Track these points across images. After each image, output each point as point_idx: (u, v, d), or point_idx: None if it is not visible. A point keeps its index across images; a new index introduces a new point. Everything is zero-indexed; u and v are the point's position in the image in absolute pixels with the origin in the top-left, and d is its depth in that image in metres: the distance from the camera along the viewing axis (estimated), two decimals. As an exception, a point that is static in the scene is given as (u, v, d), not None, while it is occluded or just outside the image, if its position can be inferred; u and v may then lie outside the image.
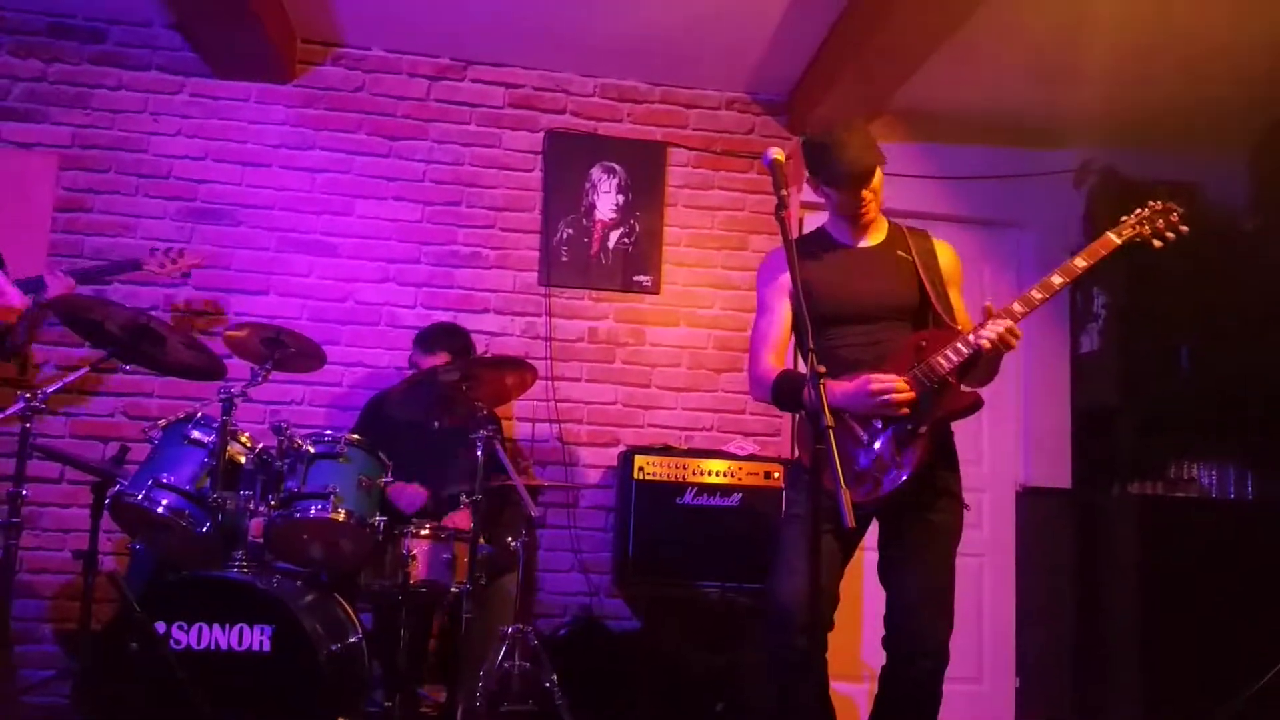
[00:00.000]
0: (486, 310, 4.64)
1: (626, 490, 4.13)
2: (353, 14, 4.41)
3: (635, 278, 4.74)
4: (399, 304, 4.59)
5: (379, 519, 3.45)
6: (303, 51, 4.61)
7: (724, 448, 4.41)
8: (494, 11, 4.30)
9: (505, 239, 4.70)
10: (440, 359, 3.95)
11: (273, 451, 3.45)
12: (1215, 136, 4.64)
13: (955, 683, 2.85)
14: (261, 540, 3.39)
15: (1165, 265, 4.52)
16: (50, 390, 3.26)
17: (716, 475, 4.14)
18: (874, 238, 2.96)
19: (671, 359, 4.74)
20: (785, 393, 2.83)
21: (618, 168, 4.78)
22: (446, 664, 4.09)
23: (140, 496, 3.25)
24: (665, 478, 4.12)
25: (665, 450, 4.26)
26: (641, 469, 4.12)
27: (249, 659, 3.04)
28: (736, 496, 4.12)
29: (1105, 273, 4.73)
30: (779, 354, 2.95)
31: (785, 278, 2.87)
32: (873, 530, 2.90)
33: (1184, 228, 2.87)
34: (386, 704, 3.58)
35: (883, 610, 2.84)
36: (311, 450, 3.43)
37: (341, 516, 3.36)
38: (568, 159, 4.75)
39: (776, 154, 2.57)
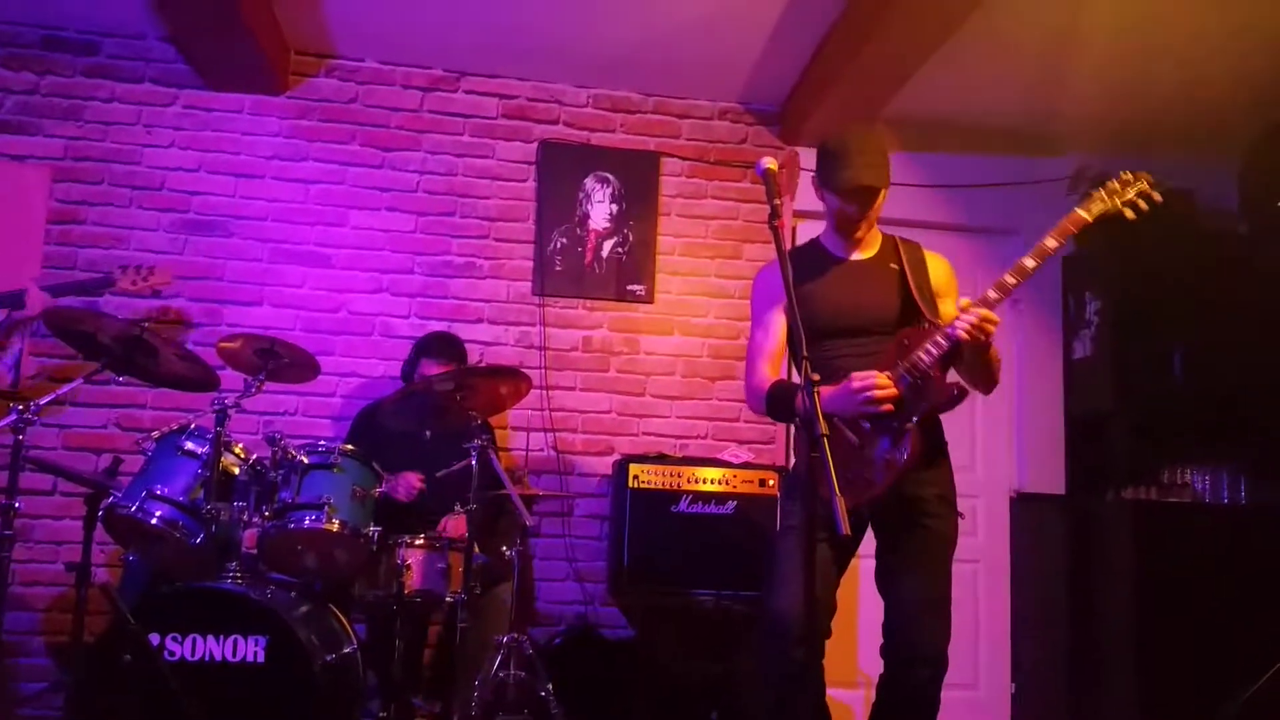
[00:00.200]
0: (480, 320, 4.64)
1: (621, 499, 4.13)
2: (346, 26, 4.42)
3: (629, 287, 4.75)
4: (393, 314, 4.59)
5: (373, 529, 3.44)
6: (296, 63, 4.62)
7: (718, 456, 4.41)
8: (487, 23, 4.31)
9: (499, 249, 4.70)
10: (448, 368, 3.94)
11: (266, 462, 3.44)
12: (1208, 142, 4.66)
13: (951, 689, 2.85)
14: (255, 551, 3.39)
15: (1159, 271, 4.59)
16: (43, 402, 3.25)
17: (711, 483, 4.14)
18: (867, 251, 2.98)
19: (666, 368, 4.74)
20: (778, 403, 2.85)
21: (611, 177, 4.79)
22: (442, 674, 4.08)
23: (134, 508, 3.24)
24: (660, 486, 4.12)
25: (660, 458, 4.26)
26: (636, 477, 4.12)
27: (243, 670, 3.03)
28: (731, 504, 4.12)
29: (1099, 279, 4.78)
30: (775, 366, 2.97)
31: (779, 292, 2.89)
32: (870, 539, 2.91)
33: (1157, 195, 2.81)
34: (382, 714, 3.57)
35: (879, 617, 2.84)
36: (305, 461, 3.43)
37: (336, 527, 3.35)
38: (561, 169, 4.76)
39: (770, 164, 2.59)
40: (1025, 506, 4.93)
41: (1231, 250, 4.67)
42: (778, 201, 2.52)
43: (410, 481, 3.87)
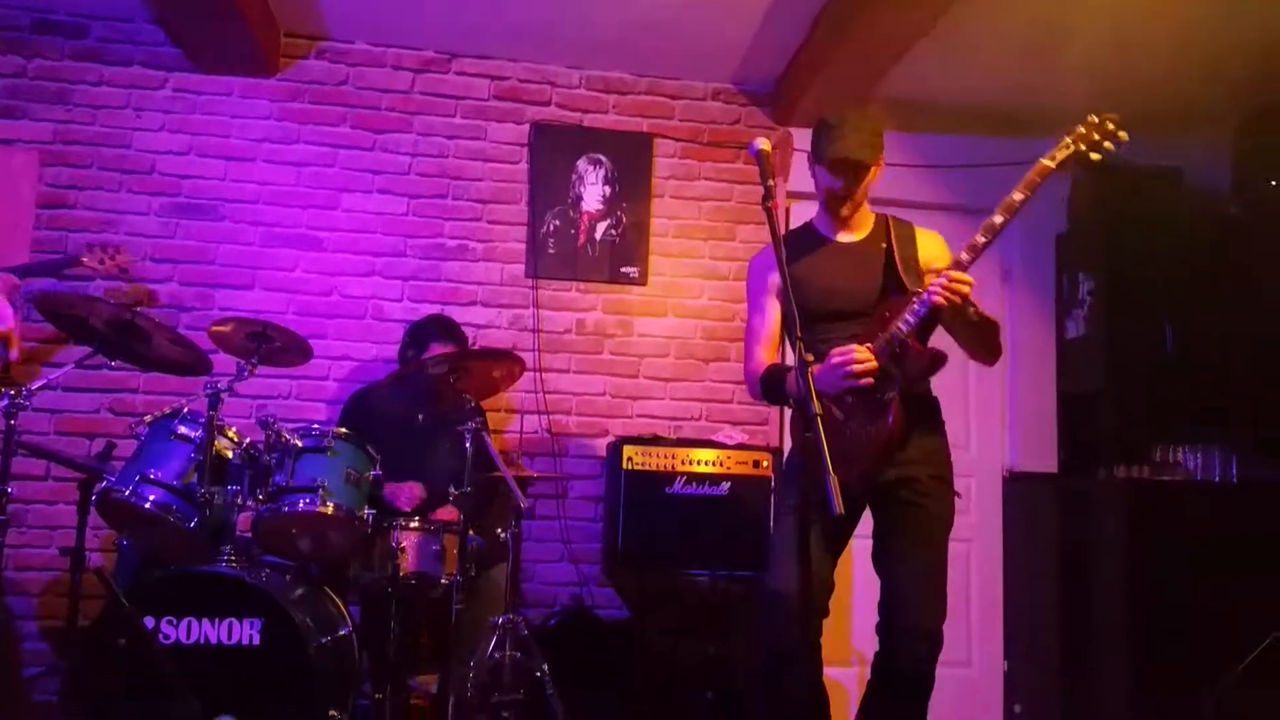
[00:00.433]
0: (473, 303, 4.63)
1: (615, 480, 4.14)
2: (336, 7, 4.39)
3: (622, 269, 4.74)
4: (385, 297, 4.58)
5: (368, 512, 3.44)
6: (286, 45, 4.59)
7: (712, 437, 4.42)
8: (478, 4, 4.28)
9: (492, 231, 4.69)
10: (450, 349, 3.92)
11: (260, 446, 3.43)
12: (1199, 121, 4.66)
13: (945, 666, 2.87)
14: (250, 534, 3.38)
15: (1152, 250, 4.59)
16: (35, 386, 3.25)
17: (705, 464, 4.14)
18: (859, 232, 2.98)
19: (659, 349, 4.74)
20: (771, 385, 2.87)
21: (604, 159, 4.78)
22: (437, 655, 4.09)
23: (128, 492, 3.23)
24: (654, 468, 4.12)
25: (654, 440, 4.26)
26: (630, 459, 4.12)
27: (238, 653, 3.05)
28: (725, 485, 4.13)
29: (1092, 258, 4.78)
30: (771, 350, 2.97)
31: (774, 276, 2.90)
32: (866, 518, 2.92)
33: (1122, 134, 2.76)
34: (377, 696, 3.57)
35: (874, 596, 2.86)
36: (299, 444, 3.42)
37: (330, 510, 3.34)
38: (554, 151, 4.74)
39: (763, 144, 2.59)
40: (1018, 485, 4.94)
41: (1224, 230, 4.67)
42: (771, 183, 2.54)
43: (413, 491, 3.87)
